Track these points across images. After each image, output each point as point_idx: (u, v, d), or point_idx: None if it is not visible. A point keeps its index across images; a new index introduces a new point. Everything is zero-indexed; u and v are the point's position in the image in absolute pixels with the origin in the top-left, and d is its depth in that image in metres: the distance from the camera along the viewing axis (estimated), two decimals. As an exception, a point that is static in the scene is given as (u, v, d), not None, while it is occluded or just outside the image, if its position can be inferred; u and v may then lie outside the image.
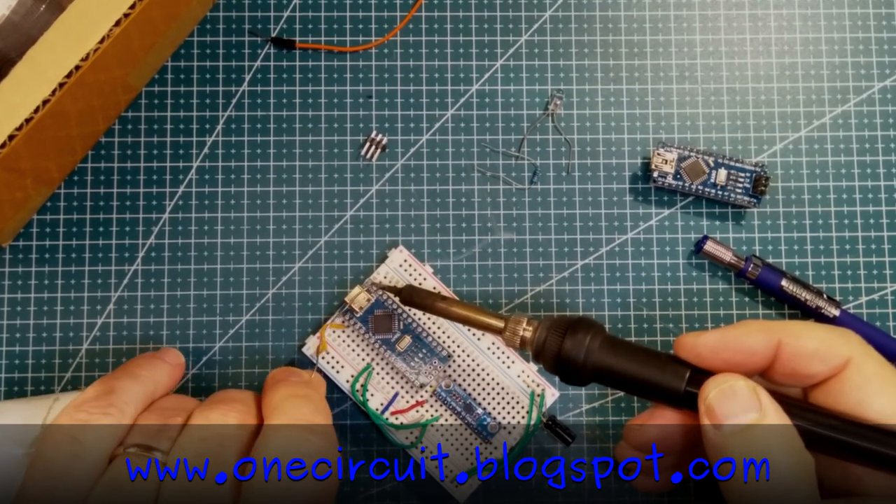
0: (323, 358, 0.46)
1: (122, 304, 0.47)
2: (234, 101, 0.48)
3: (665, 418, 0.35)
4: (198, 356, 0.47)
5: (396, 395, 0.46)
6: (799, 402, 0.33)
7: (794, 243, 0.48)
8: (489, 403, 0.46)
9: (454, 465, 0.46)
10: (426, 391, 0.46)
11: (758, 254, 0.48)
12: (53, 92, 0.39)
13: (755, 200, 0.47)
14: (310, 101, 0.48)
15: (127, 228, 0.48)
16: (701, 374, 0.34)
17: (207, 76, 0.48)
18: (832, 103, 0.49)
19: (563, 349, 0.35)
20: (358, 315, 0.46)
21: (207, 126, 0.48)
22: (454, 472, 0.45)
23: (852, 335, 0.34)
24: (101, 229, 0.47)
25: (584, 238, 0.48)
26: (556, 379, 0.46)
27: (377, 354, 0.46)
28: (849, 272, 0.48)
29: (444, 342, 0.46)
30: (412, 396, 0.46)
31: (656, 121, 0.48)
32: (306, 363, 0.46)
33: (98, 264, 0.47)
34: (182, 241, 0.48)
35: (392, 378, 0.46)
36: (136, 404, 0.38)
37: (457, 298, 0.40)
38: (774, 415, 0.31)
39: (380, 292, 0.46)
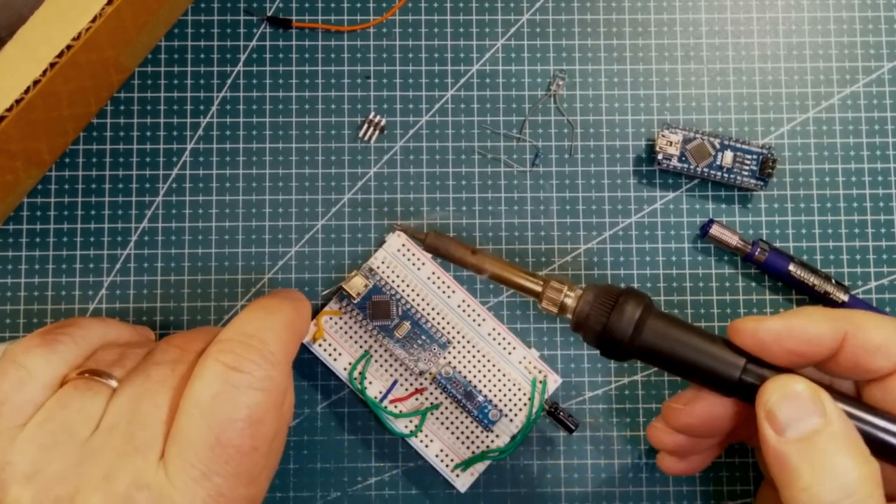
0: (320, 345, 0.45)
1: (114, 290, 0.46)
2: (228, 81, 0.47)
3: (710, 403, 0.35)
4: (192, 342, 0.46)
5: (395, 382, 0.45)
6: (863, 405, 0.32)
7: (802, 227, 0.47)
8: (490, 391, 0.45)
9: (455, 454, 0.45)
10: (426, 378, 0.45)
11: (765, 238, 0.47)
12: (44, 72, 0.39)
13: (762, 183, 0.46)
14: (306, 81, 0.47)
15: (119, 212, 0.47)
16: (755, 364, 0.33)
17: (202, 56, 0.47)
18: (841, 84, 0.48)
19: (609, 323, 0.33)
20: (355, 301, 0.45)
21: (202, 107, 0.47)
22: (455, 460, 0.45)
23: None
24: (92, 213, 0.47)
25: (587, 222, 0.47)
26: (559, 365, 0.45)
27: (375, 341, 0.45)
28: (857, 256, 0.47)
29: (443, 328, 0.45)
30: (411, 384, 0.45)
31: (661, 102, 0.47)
32: (301, 350, 0.45)
33: (90, 248, 0.46)
34: (176, 225, 0.47)
35: (391, 365, 0.45)
36: (91, 339, 0.37)
37: (490, 253, 0.37)
38: (839, 421, 0.30)
39: (377, 278, 0.45)
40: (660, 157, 0.46)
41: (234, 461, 0.33)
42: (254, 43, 0.47)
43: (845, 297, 0.45)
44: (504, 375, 0.45)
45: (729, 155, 0.46)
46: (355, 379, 0.45)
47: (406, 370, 0.45)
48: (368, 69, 0.48)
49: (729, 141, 0.46)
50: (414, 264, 0.45)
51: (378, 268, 0.45)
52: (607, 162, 0.47)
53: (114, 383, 0.35)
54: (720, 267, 0.47)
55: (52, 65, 0.39)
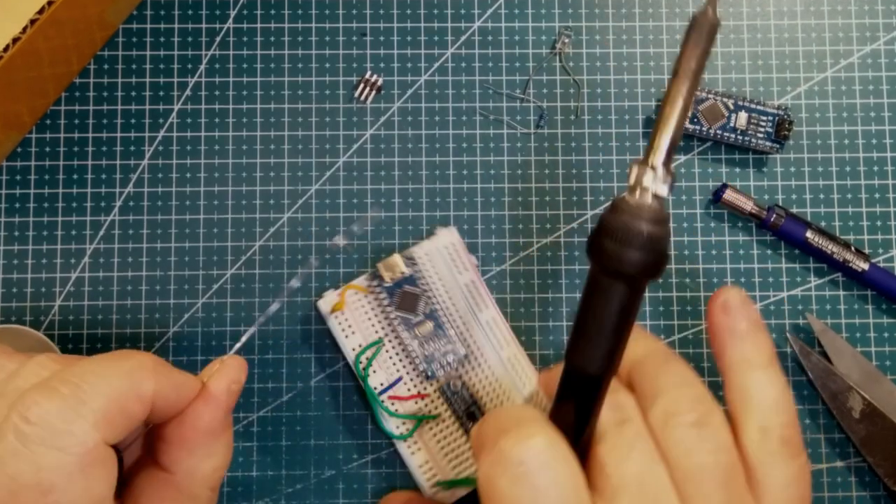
0: (336, 318, 0.42)
1: (97, 258, 0.44)
2: (217, 38, 0.45)
3: None
4: (179, 313, 0.44)
5: (400, 379, 0.43)
6: None
7: (820, 192, 0.45)
8: None
9: (440, 470, 0.42)
10: (432, 385, 0.43)
11: (781, 203, 0.45)
12: (24, 29, 0.38)
13: (778, 146, 0.44)
14: (299, 38, 0.45)
15: (103, 176, 0.45)
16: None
17: (189, 12, 0.45)
18: (861, 41, 0.46)
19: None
20: (386, 284, 0.42)
21: (189, 66, 0.45)
22: (438, 476, 0.42)
23: None
24: (75, 177, 0.45)
25: (594, 186, 0.45)
26: None
27: (392, 331, 0.43)
28: (878, 223, 0.45)
29: (466, 340, 0.43)
30: (416, 386, 0.43)
31: (671, 60, 0.45)
32: (309, 320, 0.43)
33: (72, 214, 0.45)
34: (162, 190, 0.45)
35: (400, 360, 0.43)
36: None
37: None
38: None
39: (416, 268, 0.42)
40: (670, 118, 0.44)
41: None
42: (244, -1, 0.46)
43: (865, 266, 0.43)
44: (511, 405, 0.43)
45: (743, 116, 0.44)
46: (361, 363, 0.42)
47: (414, 370, 0.43)
48: (365, 26, 0.46)
49: (743, 101, 0.44)
50: (456, 266, 0.43)
51: (420, 258, 0.43)
52: (615, 123, 0.45)
53: None
54: (734, 234, 0.45)
55: (33, 21, 0.38)
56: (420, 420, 0.42)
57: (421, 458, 0.42)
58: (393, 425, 0.42)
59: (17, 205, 0.44)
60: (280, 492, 0.43)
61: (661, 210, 0.28)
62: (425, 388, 0.43)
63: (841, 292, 0.45)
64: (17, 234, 0.44)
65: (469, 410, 0.42)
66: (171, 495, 0.33)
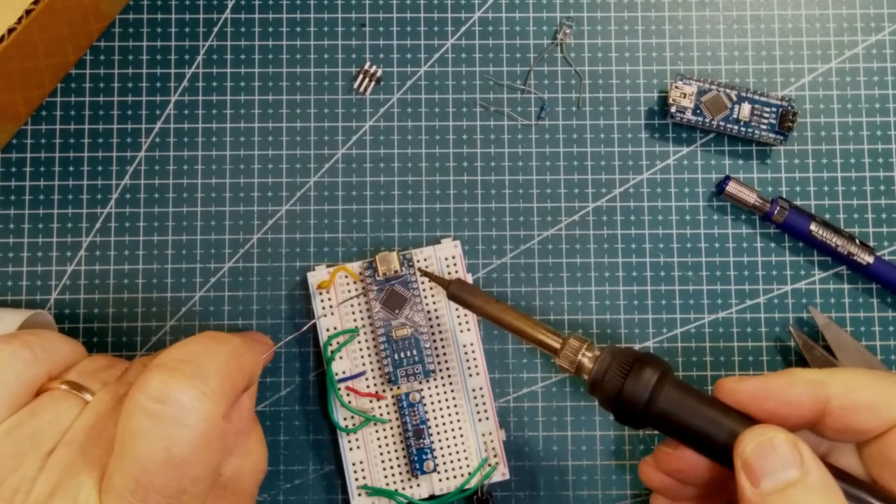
0: (320, 294, 0.42)
1: (93, 250, 0.44)
2: (215, 29, 0.45)
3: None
4: (176, 306, 0.44)
5: (363, 374, 0.42)
6: (845, 474, 0.31)
7: (824, 184, 0.44)
8: (440, 441, 0.42)
9: (370, 475, 0.42)
10: (392, 390, 0.42)
11: (784, 195, 0.45)
12: (20, 20, 0.38)
13: (781, 137, 0.44)
14: (298, 29, 0.45)
15: (99, 168, 0.44)
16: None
17: (186, 2, 0.45)
18: (865, 32, 0.45)
19: (624, 388, 0.32)
20: (378, 277, 0.42)
21: (187, 57, 0.45)
22: (366, 481, 0.42)
23: None
24: (70, 169, 0.44)
25: (596, 178, 0.44)
26: (511, 461, 0.43)
27: (370, 325, 0.42)
28: (883, 215, 0.44)
29: (438, 357, 0.42)
30: (376, 385, 0.42)
31: (674, 51, 0.45)
32: (301, 312, 0.43)
33: (68, 207, 0.44)
34: (159, 182, 0.44)
35: (369, 356, 0.42)
36: (56, 354, 0.35)
37: (511, 306, 0.37)
38: (817, 473, 0.29)
39: (411, 271, 0.42)
40: (673, 109, 0.44)
41: None
42: (242, -11, 0.45)
43: (870, 259, 0.43)
44: (462, 437, 0.42)
45: (746, 107, 0.44)
46: (330, 346, 0.42)
47: (380, 370, 0.42)
48: (364, 16, 0.45)
49: (746, 93, 0.44)
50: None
51: (418, 262, 0.43)
52: (617, 115, 0.45)
53: (89, 397, 0.34)
54: (737, 226, 0.44)
55: (28, 11, 0.38)
56: (368, 420, 0.42)
57: (356, 457, 0.42)
58: (342, 416, 0.42)
59: (13, 197, 0.44)
60: (279, 487, 0.43)
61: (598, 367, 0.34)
62: (384, 391, 0.42)
63: (845, 286, 0.44)
64: (12, 226, 0.44)
65: (418, 428, 0.42)
66: (221, 495, 0.34)
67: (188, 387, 0.30)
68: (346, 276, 0.42)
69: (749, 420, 0.32)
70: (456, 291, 0.38)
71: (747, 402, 0.31)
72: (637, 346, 0.44)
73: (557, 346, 0.35)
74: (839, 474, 0.31)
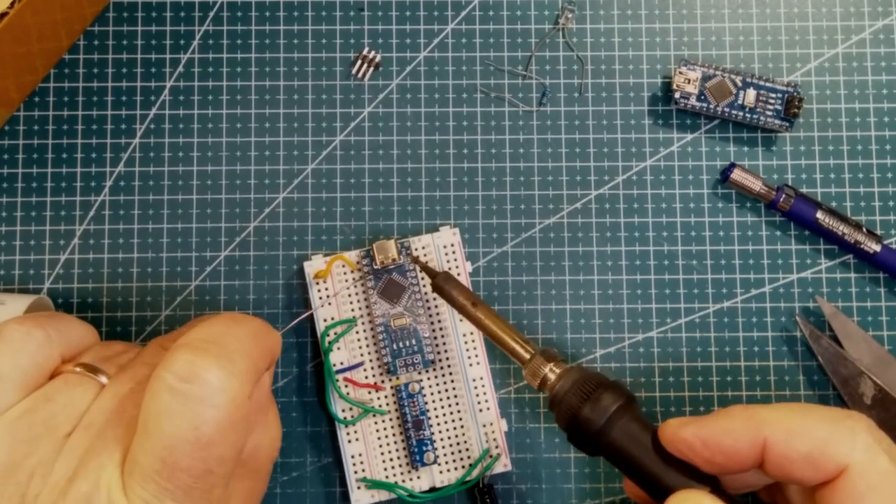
0: (317, 283, 0.41)
1: (87, 239, 0.43)
2: (211, 14, 0.44)
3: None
4: (171, 296, 0.43)
5: (361, 364, 0.42)
6: None
7: (831, 171, 0.44)
8: (440, 433, 0.41)
9: (370, 467, 0.41)
10: (390, 381, 0.42)
11: (790, 183, 0.44)
12: (12, 4, 0.38)
13: (787, 124, 0.43)
14: (295, 14, 0.44)
15: (93, 155, 0.44)
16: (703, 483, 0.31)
17: (182, -14, 0.44)
18: (873, 16, 0.45)
19: (581, 411, 0.33)
20: (375, 267, 0.41)
21: (182, 42, 0.44)
22: (366, 474, 0.41)
23: (861, 427, 0.30)
24: (64, 156, 0.44)
25: (598, 166, 0.44)
26: (513, 454, 0.43)
27: (368, 315, 0.42)
28: (891, 203, 0.44)
29: (437, 347, 0.42)
30: (374, 376, 0.42)
31: (678, 36, 0.44)
32: (295, 303, 0.42)
33: (61, 194, 0.43)
34: (154, 169, 0.44)
35: (367, 346, 0.42)
36: (70, 336, 0.35)
37: (491, 308, 0.37)
38: None
39: (408, 260, 0.41)
40: (677, 95, 0.43)
41: (184, 485, 0.30)
42: (238, -27, 0.44)
43: (877, 247, 0.42)
44: (462, 427, 0.42)
45: (752, 93, 0.43)
46: (327, 336, 0.41)
47: (378, 360, 0.42)
48: (362, 0, 0.44)
49: (752, 78, 0.43)
50: (451, 268, 0.42)
51: (416, 250, 0.42)
52: (620, 101, 0.44)
53: (104, 379, 0.33)
54: (742, 214, 0.44)
55: None
56: (367, 411, 0.41)
57: (355, 450, 0.41)
58: (340, 408, 0.41)
59: (5, 184, 0.43)
60: (276, 479, 0.42)
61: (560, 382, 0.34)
62: (382, 382, 0.42)
63: (852, 274, 0.43)
64: (3, 214, 0.43)
65: (417, 419, 0.41)
66: (240, 473, 0.34)
67: (215, 367, 0.30)
68: (344, 266, 0.42)
69: (690, 472, 0.31)
70: (441, 283, 0.37)
71: (686, 453, 0.31)
72: (640, 337, 0.43)
73: (527, 357, 0.35)
74: None
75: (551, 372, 0.34)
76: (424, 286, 0.42)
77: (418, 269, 0.41)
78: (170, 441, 0.29)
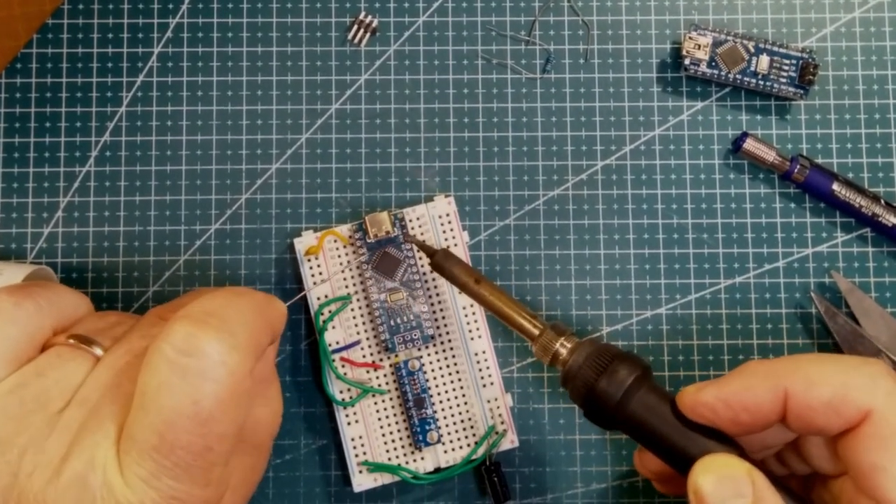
0: (309, 261, 0.40)
1: (71, 212, 0.42)
2: (200, -23, 0.43)
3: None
4: (159, 270, 0.41)
5: (358, 343, 0.40)
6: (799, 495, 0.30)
7: (847, 141, 0.42)
8: (443, 411, 0.40)
9: (371, 450, 0.40)
10: (389, 359, 0.40)
11: (805, 153, 0.42)
12: None
13: (802, 91, 0.42)
14: (288, -24, 0.43)
15: (77, 124, 0.42)
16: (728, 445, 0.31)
17: (170, -52, 0.43)
18: (891, -21, 0.43)
19: (597, 384, 0.32)
20: (369, 241, 0.39)
21: (170, 6, 0.43)
22: (367, 456, 0.40)
23: (881, 372, 0.29)
24: (47, 125, 0.42)
25: (605, 135, 0.42)
26: (516, 427, 0.41)
27: (363, 290, 0.40)
28: (910, 174, 0.42)
29: (437, 321, 0.40)
30: (372, 355, 0.40)
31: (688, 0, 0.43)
32: (290, 278, 0.40)
33: (44, 165, 0.42)
34: (141, 139, 0.42)
35: (364, 324, 0.40)
36: (62, 306, 0.34)
37: (494, 284, 0.35)
38: (771, 500, 0.29)
39: (403, 231, 0.40)
40: (687, 62, 0.42)
41: (182, 462, 0.28)
42: (229, -66, 0.43)
43: (896, 220, 0.41)
44: (466, 404, 0.40)
45: (765, 60, 0.42)
46: (322, 315, 0.40)
47: (375, 338, 0.40)
48: (358, -37, 0.43)
49: (765, 44, 0.42)
50: (447, 240, 0.40)
51: (410, 221, 0.40)
52: (628, 68, 0.43)
53: (99, 352, 0.32)
54: (755, 186, 0.42)
55: None
56: (366, 391, 0.40)
57: (355, 432, 0.40)
58: (337, 389, 0.40)
59: (-14, 155, 0.42)
60: (269, 462, 0.40)
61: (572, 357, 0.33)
62: (381, 360, 0.40)
63: (869, 249, 0.42)
64: (-15, 186, 0.42)
65: (419, 397, 0.39)
66: (240, 448, 0.33)
67: (216, 340, 0.29)
68: (336, 241, 0.40)
69: (715, 437, 0.31)
70: (440, 261, 0.36)
71: (709, 416, 0.30)
72: (649, 314, 0.41)
73: (536, 332, 0.34)
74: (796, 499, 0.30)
75: (562, 346, 0.33)
76: (421, 259, 0.40)
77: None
78: (168, 416, 0.28)
